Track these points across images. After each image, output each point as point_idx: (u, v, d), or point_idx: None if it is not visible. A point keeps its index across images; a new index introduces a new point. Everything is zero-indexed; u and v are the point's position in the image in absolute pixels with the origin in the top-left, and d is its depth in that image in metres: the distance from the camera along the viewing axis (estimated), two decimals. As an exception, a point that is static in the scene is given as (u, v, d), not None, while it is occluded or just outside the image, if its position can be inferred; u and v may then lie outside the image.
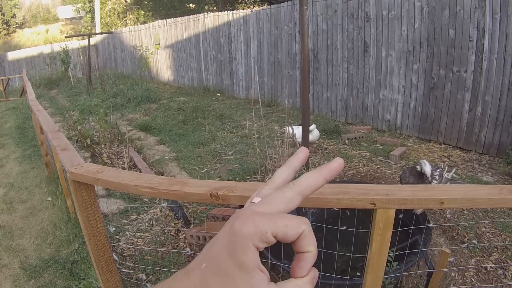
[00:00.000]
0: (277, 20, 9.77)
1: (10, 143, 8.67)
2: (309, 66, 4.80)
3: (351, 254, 2.70)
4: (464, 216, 4.27)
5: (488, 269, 3.50)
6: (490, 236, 3.96)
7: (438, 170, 3.82)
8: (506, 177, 5.29)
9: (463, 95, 6.22)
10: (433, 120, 6.76)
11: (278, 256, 3.01)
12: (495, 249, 3.76)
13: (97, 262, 2.92)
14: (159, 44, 16.12)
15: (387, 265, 2.31)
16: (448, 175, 4.00)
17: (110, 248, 2.97)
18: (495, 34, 5.65)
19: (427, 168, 3.86)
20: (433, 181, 3.75)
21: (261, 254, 2.83)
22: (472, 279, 3.39)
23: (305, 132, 5.03)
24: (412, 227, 2.64)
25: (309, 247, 0.49)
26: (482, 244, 3.79)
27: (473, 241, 3.83)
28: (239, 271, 0.45)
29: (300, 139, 6.40)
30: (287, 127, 5.68)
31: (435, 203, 1.78)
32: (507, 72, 5.63)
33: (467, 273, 3.45)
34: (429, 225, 3.29)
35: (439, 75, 6.51)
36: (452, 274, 3.42)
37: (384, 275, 2.32)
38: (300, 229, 0.49)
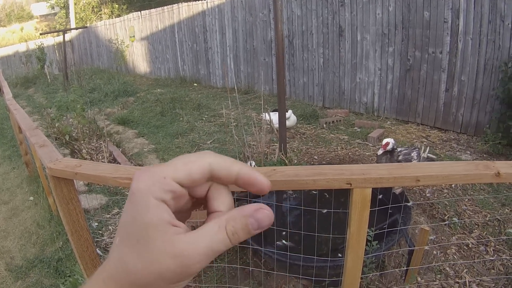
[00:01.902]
0: (251, 8, 9.72)
1: (-11, 143, 8.57)
2: (284, 52, 4.81)
3: (330, 235, 2.72)
4: (444, 195, 4.34)
5: (470, 246, 3.55)
6: (471, 213, 4.01)
7: (415, 151, 3.86)
8: (484, 155, 5.38)
9: (439, 76, 6.28)
10: (410, 101, 6.81)
11: (260, 241, 3.03)
12: (476, 226, 3.82)
13: (81, 257, 2.91)
14: (134, 36, 15.96)
15: (367, 245, 2.34)
16: (424, 154, 4.04)
17: (93, 242, 2.96)
18: (470, 14, 5.70)
19: (391, 145, 3.88)
20: (412, 160, 3.78)
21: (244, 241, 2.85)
22: (454, 256, 3.44)
23: (282, 118, 5.04)
24: (390, 205, 2.66)
25: (227, 175, 0.45)
26: (462, 221, 3.84)
27: (454, 218, 3.88)
28: (147, 232, 0.41)
29: (277, 125, 6.44)
30: (264, 114, 5.69)
31: (411, 180, 1.80)
32: (482, 52, 5.69)
33: (449, 251, 3.50)
34: (409, 204, 3.33)
35: (414, 57, 6.56)
36: (434, 252, 3.47)
37: (365, 255, 2.36)
38: (205, 162, 0.45)
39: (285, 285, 3.10)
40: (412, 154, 3.80)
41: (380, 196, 3.47)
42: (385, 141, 3.79)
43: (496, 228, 3.79)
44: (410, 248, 2.81)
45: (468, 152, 5.51)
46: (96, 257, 2.99)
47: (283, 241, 3.37)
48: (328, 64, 8.09)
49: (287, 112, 6.39)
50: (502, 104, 5.51)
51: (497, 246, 3.54)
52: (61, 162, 2.69)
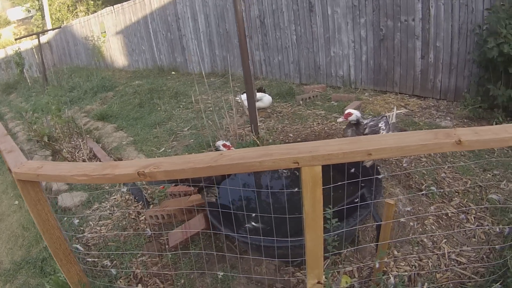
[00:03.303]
0: (221, -9, 9.64)
1: (-27, 153, 8.50)
2: (249, 33, 4.75)
3: (287, 216, 2.70)
4: (423, 164, 4.27)
5: (450, 215, 3.48)
6: (450, 181, 3.94)
7: (382, 120, 3.73)
8: (465, 120, 5.33)
9: (414, 43, 6.24)
10: (387, 71, 6.78)
11: (231, 225, 3.01)
12: (456, 194, 3.73)
13: (55, 254, 2.95)
14: (105, 32, 15.90)
15: (326, 223, 2.32)
16: (393, 119, 3.96)
17: (65, 239, 2.97)
18: (441, -21, 5.64)
19: (354, 117, 3.73)
20: (381, 131, 3.67)
21: (214, 227, 2.82)
22: (432, 227, 3.36)
23: (250, 99, 4.99)
24: (356, 180, 2.63)
25: None
26: (441, 190, 3.78)
27: (432, 187, 3.79)
28: None
29: (259, 104, 6.40)
30: (236, 96, 5.65)
31: (362, 155, 1.77)
32: (455, 16, 5.63)
33: (426, 221, 3.42)
34: (379, 176, 3.26)
35: (387, 26, 6.51)
36: (411, 223, 3.40)
37: (327, 233, 2.34)
38: None
39: (257, 267, 3.09)
40: (379, 125, 3.61)
41: (353, 170, 3.43)
42: (347, 111, 3.68)
43: (478, 194, 3.69)
44: (377, 223, 2.78)
45: (448, 118, 5.46)
46: (70, 254, 3.00)
47: (252, 223, 3.36)
48: (301, 40, 8.04)
49: (259, 93, 6.37)
50: (480, 68, 5.44)
51: (478, 214, 3.46)
52: (25, 165, 2.70)
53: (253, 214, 3.34)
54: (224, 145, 3.85)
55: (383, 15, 6.49)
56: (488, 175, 3.96)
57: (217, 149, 4.15)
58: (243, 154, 1.89)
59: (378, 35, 6.68)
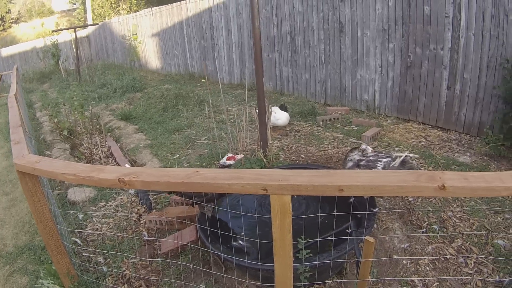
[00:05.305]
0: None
1: (0, 138, 8.75)
2: (261, 49, 4.73)
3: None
4: (430, 199, 4.11)
5: (448, 257, 3.29)
6: (457, 220, 3.75)
7: (384, 160, 3.63)
8: (484, 157, 5.13)
9: (441, 73, 6.12)
10: (411, 99, 6.67)
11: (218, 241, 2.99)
12: (460, 235, 3.53)
13: (47, 245, 3.04)
14: (136, 34, 16.15)
15: (299, 253, 2.29)
16: (395, 163, 3.77)
17: (57, 232, 3.04)
18: (472, 9, 5.51)
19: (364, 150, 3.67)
20: (377, 167, 3.59)
21: (203, 245, 2.80)
22: (427, 268, 3.20)
23: (261, 116, 4.97)
24: (337, 213, 2.58)
25: None
26: (445, 229, 3.61)
27: (434, 226, 3.62)
28: None
29: (276, 121, 6.40)
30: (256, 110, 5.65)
31: (333, 190, 1.73)
32: (485, 48, 5.49)
33: (421, 261, 3.26)
34: (374, 210, 3.15)
35: (415, 53, 6.42)
36: (404, 262, 3.26)
37: (297, 263, 2.30)
38: None
39: (239, 285, 3.08)
40: (377, 164, 3.58)
41: (352, 199, 3.34)
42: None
43: (483, 238, 3.47)
44: (356, 260, 2.71)
45: (468, 154, 5.28)
46: (61, 246, 3.08)
47: (240, 241, 3.34)
48: (329, 60, 8.01)
49: (277, 110, 6.37)
50: (505, 104, 5.28)
51: (479, 259, 3.24)
52: (25, 158, 2.77)
53: (242, 233, 3.33)
54: (228, 158, 3.86)
55: (412, 41, 6.40)
56: (499, 218, 3.75)
57: (222, 166, 4.16)
58: (216, 175, 1.89)
59: (406, 62, 6.60)
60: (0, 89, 16.20)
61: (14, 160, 2.73)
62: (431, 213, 3.88)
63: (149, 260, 3.63)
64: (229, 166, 4.55)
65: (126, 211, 4.62)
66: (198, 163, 5.62)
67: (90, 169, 2.33)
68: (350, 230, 3.03)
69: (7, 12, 40.68)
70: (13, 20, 41.27)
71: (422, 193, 1.69)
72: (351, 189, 1.70)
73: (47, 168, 2.56)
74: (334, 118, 6.94)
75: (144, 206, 4.64)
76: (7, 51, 25.03)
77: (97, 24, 20.38)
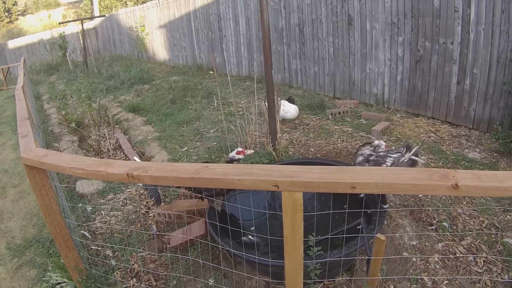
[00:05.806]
0: (263, -4, 9.60)
1: (8, 130, 8.82)
2: (270, 42, 4.70)
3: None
4: (441, 196, 4.05)
5: (457, 255, 3.25)
6: (466, 218, 3.71)
7: (394, 155, 3.60)
8: (494, 153, 5.08)
9: (451, 67, 6.05)
10: (421, 93, 6.62)
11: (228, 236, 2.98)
12: (470, 232, 3.50)
13: (55, 238, 3.03)
14: (143, 26, 16.12)
15: (309, 249, 2.26)
16: (405, 158, 3.72)
17: (65, 225, 3.03)
18: (482, 3, 5.44)
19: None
20: (386, 163, 3.54)
21: (212, 239, 2.79)
22: (437, 266, 3.17)
23: (271, 109, 4.94)
24: (347, 210, 2.56)
25: None
26: (454, 226, 3.58)
27: (444, 223, 3.60)
28: None
29: (286, 114, 6.37)
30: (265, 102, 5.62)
31: (345, 187, 1.71)
32: (495, 43, 5.41)
33: (431, 259, 3.23)
34: (385, 206, 3.14)
35: (425, 47, 6.36)
36: (414, 259, 3.23)
37: (307, 260, 2.28)
38: None
39: (249, 280, 3.06)
40: (386, 160, 3.52)
41: (362, 195, 3.30)
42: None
43: (493, 236, 3.44)
44: (367, 257, 2.68)
45: (477, 150, 5.23)
46: (69, 239, 3.07)
47: (249, 236, 3.32)
48: (338, 53, 7.95)
49: (286, 103, 6.34)
50: (515, 100, 5.23)
51: (489, 257, 3.21)
52: (32, 152, 2.76)
53: (252, 228, 3.32)
54: (238, 153, 3.84)
55: (422, 35, 6.33)
56: (509, 216, 3.71)
57: (231, 159, 4.13)
58: (226, 170, 1.87)
59: (415, 56, 6.54)
60: (7, 81, 16.21)
61: (21, 154, 2.71)
62: (441, 210, 3.84)
63: (158, 254, 3.63)
64: (238, 160, 4.54)
65: (134, 204, 4.62)
66: (206, 155, 5.60)
67: (98, 163, 2.31)
68: (360, 227, 3.01)
69: (13, 4, 40.68)
70: (19, 12, 41.27)
71: (435, 192, 1.66)
72: (363, 187, 1.67)
73: (54, 162, 2.54)
74: (343, 112, 6.90)
75: (153, 199, 4.64)
76: (14, 43, 25.07)
77: (104, 15, 20.38)
